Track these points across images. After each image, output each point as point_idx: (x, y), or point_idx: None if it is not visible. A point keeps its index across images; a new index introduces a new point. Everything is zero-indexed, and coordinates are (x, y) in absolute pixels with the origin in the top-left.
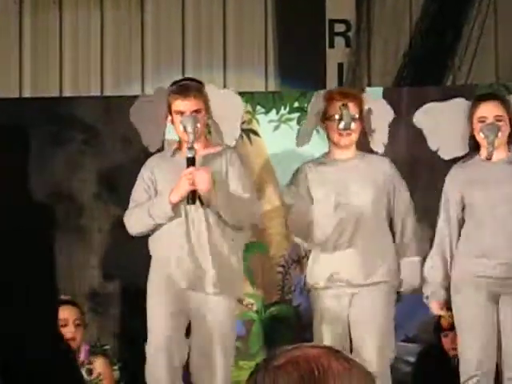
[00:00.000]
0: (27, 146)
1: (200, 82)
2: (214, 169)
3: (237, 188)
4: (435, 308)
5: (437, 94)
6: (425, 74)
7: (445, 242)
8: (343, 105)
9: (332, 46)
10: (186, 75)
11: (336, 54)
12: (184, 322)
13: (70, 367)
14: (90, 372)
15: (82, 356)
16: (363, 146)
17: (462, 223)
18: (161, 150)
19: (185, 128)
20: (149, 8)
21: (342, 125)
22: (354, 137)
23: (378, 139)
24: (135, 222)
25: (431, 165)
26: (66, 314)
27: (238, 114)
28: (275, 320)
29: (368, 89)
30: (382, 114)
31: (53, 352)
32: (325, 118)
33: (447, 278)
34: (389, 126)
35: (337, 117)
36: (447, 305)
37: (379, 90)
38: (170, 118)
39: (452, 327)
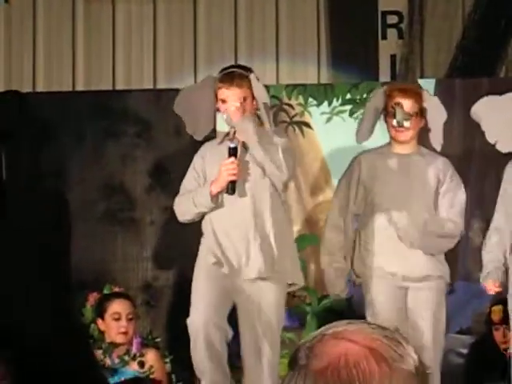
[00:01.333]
0: (80, 139)
1: (248, 69)
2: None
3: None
4: (490, 286)
5: (489, 85)
6: (477, 65)
7: (503, 231)
8: (396, 103)
9: (385, 37)
10: None
11: (389, 46)
12: (226, 304)
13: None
14: (141, 364)
15: (133, 349)
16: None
17: None
18: (208, 138)
19: (228, 122)
20: (201, 1)
21: (394, 122)
22: (411, 133)
23: (436, 137)
24: (183, 209)
25: (486, 157)
26: (119, 307)
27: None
28: (328, 312)
29: (420, 80)
30: (436, 113)
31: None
32: (385, 113)
33: (504, 263)
34: (443, 126)
35: (392, 113)
36: (501, 286)
37: (432, 82)
38: (216, 105)
39: (503, 321)
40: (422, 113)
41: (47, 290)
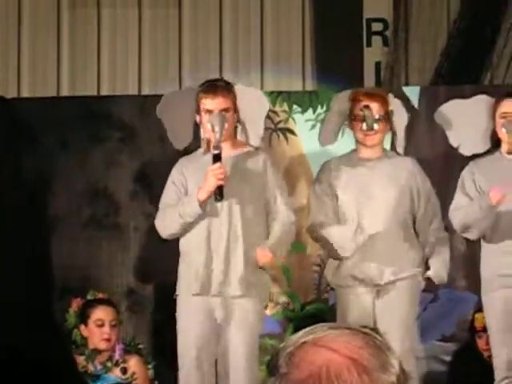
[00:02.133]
0: (65, 144)
1: (228, 83)
2: (247, 168)
3: (277, 197)
4: (495, 195)
5: (474, 92)
6: (462, 72)
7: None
8: (365, 106)
9: (369, 44)
10: (224, 74)
11: (373, 53)
12: (214, 331)
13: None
14: (124, 371)
15: (116, 355)
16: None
17: None
18: (188, 148)
19: (212, 127)
20: (186, 7)
21: (364, 126)
22: (380, 136)
23: (399, 141)
24: (166, 223)
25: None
26: (102, 314)
27: (263, 112)
28: (311, 318)
29: (405, 88)
30: (399, 117)
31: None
32: (350, 118)
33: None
34: (405, 131)
35: (360, 117)
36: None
37: (416, 89)
38: (198, 117)
39: (486, 328)
40: (388, 116)
41: (31, 295)
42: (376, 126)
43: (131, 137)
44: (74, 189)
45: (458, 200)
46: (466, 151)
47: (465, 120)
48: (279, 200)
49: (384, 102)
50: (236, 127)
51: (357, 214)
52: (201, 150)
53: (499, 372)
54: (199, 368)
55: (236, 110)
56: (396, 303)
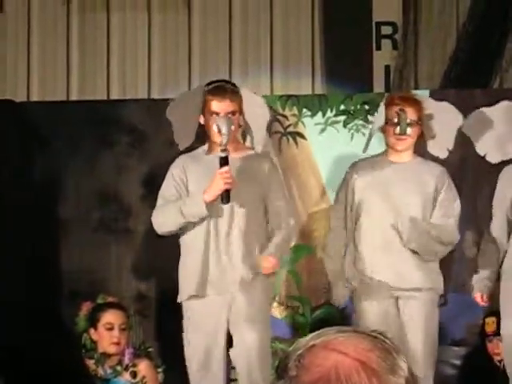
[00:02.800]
0: (74, 148)
1: (234, 85)
2: (250, 171)
3: (277, 202)
4: (478, 297)
5: (483, 96)
6: (471, 76)
7: (498, 241)
8: (401, 110)
9: (379, 48)
10: (233, 77)
11: (383, 57)
12: (223, 331)
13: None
14: (134, 375)
15: (126, 359)
16: (420, 150)
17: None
18: (189, 148)
19: (219, 129)
20: (196, 11)
21: (397, 130)
22: (410, 142)
23: (441, 144)
24: (165, 220)
25: (479, 169)
26: (112, 318)
27: (265, 121)
28: (322, 323)
29: (414, 91)
30: (448, 118)
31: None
32: (386, 121)
33: (495, 273)
34: (458, 131)
35: (394, 121)
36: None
37: (426, 93)
38: (202, 117)
39: (496, 332)
40: (421, 122)
41: (39, 298)
42: (409, 131)
43: (140, 141)
44: (84, 193)
45: (494, 226)
46: (493, 159)
47: (490, 128)
48: (279, 205)
49: (418, 107)
50: (242, 130)
51: (383, 217)
52: (202, 149)
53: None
54: (208, 369)
55: (241, 113)
56: (417, 311)
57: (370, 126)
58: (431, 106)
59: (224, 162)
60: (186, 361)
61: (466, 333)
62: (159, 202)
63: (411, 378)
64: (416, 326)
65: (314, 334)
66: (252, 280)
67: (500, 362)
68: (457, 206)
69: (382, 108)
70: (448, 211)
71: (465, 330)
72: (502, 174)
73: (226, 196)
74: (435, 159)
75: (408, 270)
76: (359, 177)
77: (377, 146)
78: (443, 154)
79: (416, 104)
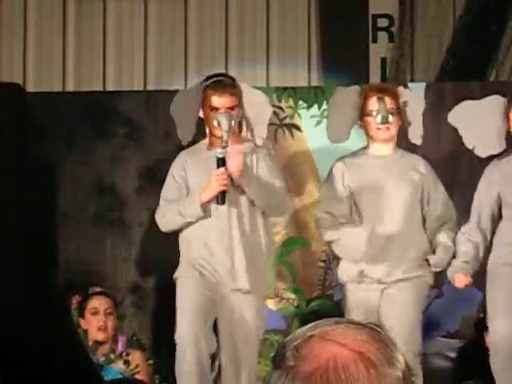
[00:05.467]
0: (70, 140)
1: (233, 79)
2: (248, 163)
3: (268, 179)
4: (460, 282)
5: (479, 89)
6: (468, 68)
7: (479, 236)
8: (379, 98)
9: (375, 40)
10: (229, 70)
11: (379, 49)
12: (212, 315)
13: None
14: (128, 363)
15: (119, 347)
16: (402, 142)
17: (497, 221)
18: (190, 143)
19: (219, 124)
20: (192, 2)
21: (379, 118)
22: (393, 131)
23: (415, 131)
24: (167, 220)
25: (473, 162)
26: (96, 303)
27: (267, 117)
28: (316, 315)
29: (410, 84)
30: (415, 104)
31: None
32: (363, 114)
33: (477, 260)
34: (422, 116)
35: (374, 112)
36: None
37: (422, 85)
38: (202, 112)
39: None
40: (400, 110)
41: (36, 290)
42: (391, 118)
43: (137, 132)
44: (80, 184)
45: (472, 221)
46: (481, 153)
47: (478, 121)
48: (272, 180)
49: (395, 96)
50: (241, 123)
51: (370, 212)
52: (203, 144)
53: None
54: (196, 344)
55: (241, 107)
56: (401, 303)
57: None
58: (404, 94)
59: (221, 162)
60: (175, 337)
61: (461, 325)
62: (161, 202)
63: (407, 371)
64: (399, 316)
65: (311, 324)
66: (253, 274)
67: None
68: (447, 200)
69: (351, 93)
70: (444, 215)
71: (460, 323)
72: (485, 173)
73: (221, 197)
74: (413, 148)
75: (396, 263)
76: (345, 173)
77: (362, 137)
78: (419, 141)
79: (393, 93)
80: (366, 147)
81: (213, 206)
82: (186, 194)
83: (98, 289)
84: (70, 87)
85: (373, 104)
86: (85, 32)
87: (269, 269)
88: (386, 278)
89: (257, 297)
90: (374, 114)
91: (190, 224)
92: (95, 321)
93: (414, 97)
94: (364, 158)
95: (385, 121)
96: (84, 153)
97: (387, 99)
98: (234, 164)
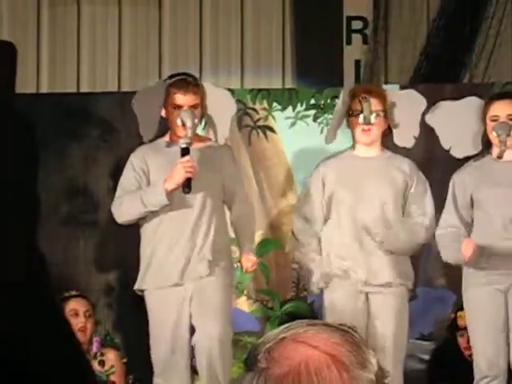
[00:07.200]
0: (43, 141)
1: (196, 78)
2: (210, 161)
3: (237, 191)
4: (467, 249)
5: (453, 91)
6: (442, 71)
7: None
8: (364, 98)
9: (349, 43)
10: (204, 71)
11: (353, 51)
12: (188, 320)
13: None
14: (102, 363)
15: (94, 348)
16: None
17: (470, 221)
18: (152, 141)
19: (183, 123)
20: (166, 5)
21: (361, 118)
22: (375, 133)
23: (407, 132)
24: (125, 209)
25: (447, 163)
26: (75, 305)
27: (230, 113)
28: (290, 317)
29: (384, 86)
30: (412, 104)
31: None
32: (349, 114)
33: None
34: (422, 117)
35: (358, 111)
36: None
37: (396, 87)
38: (164, 110)
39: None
40: (385, 113)
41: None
42: (373, 119)
43: (110, 134)
44: (52, 186)
45: (449, 218)
46: (457, 153)
47: (455, 122)
48: (240, 193)
49: (382, 99)
50: (203, 123)
51: (352, 214)
52: (162, 141)
53: (479, 371)
54: (173, 352)
55: (203, 106)
56: (388, 306)
57: None
58: (395, 95)
59: (185, 151)
60: (150, 350)
61: (435, 327)
62: (118, 192)
63: (380, 373)
64: (386, 320)
65: (283, 326)
66: (214, 272)
67: (470, 356)
68: (428, 200)
69: (342, 93)
70: (424, 208)
71: (434, 325)
72: (458, 174)
73: (187, 185)
74: (402, 150)
75: (379, 266)
76: (328, 174)
77: (345, 141)
78: (409, 143)
79: (380, 95)
80: (351, 147)
81: (174, 199)
82: (147, 186)
83: (74, 292)
84: (44, 89)
85: (357, 104)
86: (59, 34)
87: (230, 257)
88: (369, 280)
89: (224, 282)
90: (358, 113)
91: (148, 220)
92: (75, 323)
93: (413, 96)
94: (348, 159)
95: (367, 121)
96: (57, 154)
97: (372, 100)
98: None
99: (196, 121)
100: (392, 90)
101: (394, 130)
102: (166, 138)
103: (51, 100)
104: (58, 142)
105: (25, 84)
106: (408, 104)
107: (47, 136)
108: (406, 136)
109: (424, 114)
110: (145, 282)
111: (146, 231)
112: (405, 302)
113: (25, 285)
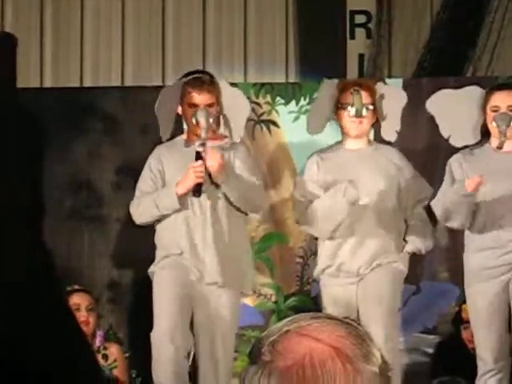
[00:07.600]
0: (47, 135)
1: (212, 76)
2: (227, 159)
3: (245, 176)
4: (471, 182)
5: (457, 84)
6: (445, 64)
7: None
8: (355, 90)
9: (353, 37)
10: (207, 65)
11: (357, 45)
12: (188, 311)
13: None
14: (105, 357)
15: (97, 341)
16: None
17: None
18: (170, 139)
19: (198, 122)
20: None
21: (353, 111)
22: (366, 126)
23: (390, 126)
24: (142, 211)
25: (446, 157)
26: (77, 299)
27: (245, 115)
28: (294, 310)
29: (388, 80)
30: (395, 99)
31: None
32: (337, 107)
33: None
34: (402, 111)
35: (349, 105)
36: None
37: (399, 81)
38: (180, 108)
39: None
40: (375, 107)
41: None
42: (365, 112)
43: (114, 128)
44: (56, 180)
45: (445, 188)
46: (456, 142)
47: (456, 111)
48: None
49: (372, 92)
50: (219, 120)
51: (345, 204)
52: (180, 139)
53: (483, 365)
54: (173, 341)
55: (219, 104)
56: (377, 286)
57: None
58: (381, 88)
59: (199, 156)
60: (152, 332)
61: (438, 321)
62: (137, 193)
63: (384, 366)
64: (376, 309)
65: (287, 319)
66: (229, 269)
67: (474, 349)
68: (424, 181)
69: (324, 86)
70: (419, 191)
71: (438, 318)
72: (455, 157)
73: (197, 189)
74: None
75: (367, 253)
76: (321, 165)
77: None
78: (392, 137)
79: (370, 88)
80: (340, 141)
81: (189, 200)
82: (162, 187)
83: (76, 286)
84: (48, 83)
85: (348, 97)
86: (62, 28)
87: (246, 265)
88: (363, 271)
89: (232, 291)
90: (349, 107)
91: (165, 217)
92: (77, 317)
93: (394, 91)
94: (339, 152)
95: (359, 114)
96: (61, 149)
97: (363, 93)
98: (213, 159)
99: (211, 120)
100: (379, 84)
101: (382, 124)
102: (184, 136)
103: (55, 94)
104: (62, 137)
105: (28, 78)
106: (391, 98)
107: (51, 130)
108: (390, 130)
109: (404, 108)
110: (155, 265)
111: (160, 228)
112: (397, 282)
113: (30, 281)
